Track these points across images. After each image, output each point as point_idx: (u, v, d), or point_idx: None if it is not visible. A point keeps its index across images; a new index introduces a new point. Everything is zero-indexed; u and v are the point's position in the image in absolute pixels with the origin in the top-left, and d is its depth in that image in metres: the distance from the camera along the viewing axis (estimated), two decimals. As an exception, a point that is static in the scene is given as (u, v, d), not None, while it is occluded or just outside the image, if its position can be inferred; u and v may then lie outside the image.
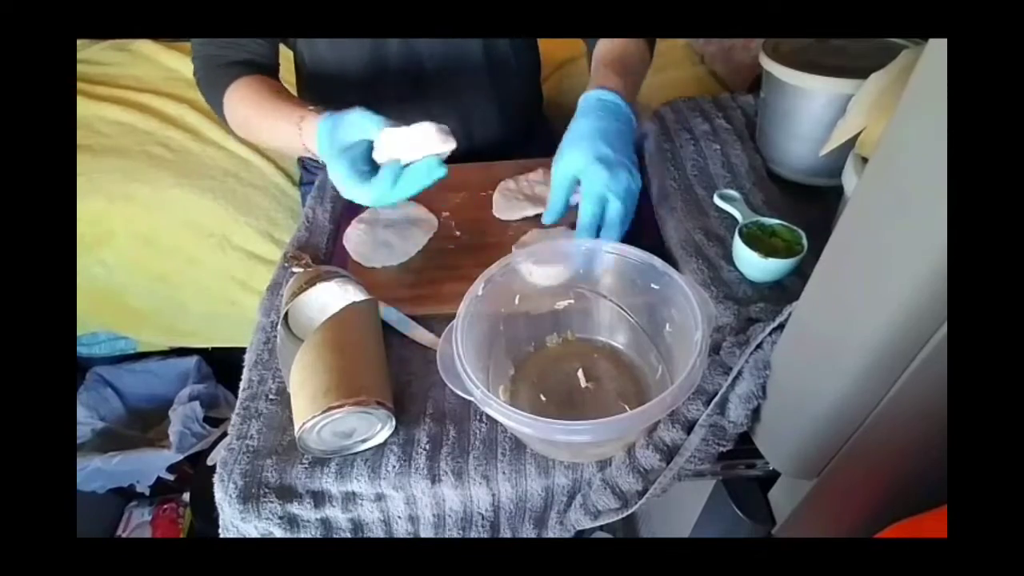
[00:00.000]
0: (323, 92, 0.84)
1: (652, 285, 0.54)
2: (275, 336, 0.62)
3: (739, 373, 0.48)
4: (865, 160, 0.54)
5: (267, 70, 0.78)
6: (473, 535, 0.55)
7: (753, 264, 0.58)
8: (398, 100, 0.83)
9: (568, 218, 0.75)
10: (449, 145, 0.57)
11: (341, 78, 0.82)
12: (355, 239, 0.73)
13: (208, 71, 0.77)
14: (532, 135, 0.98)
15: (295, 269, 0.68)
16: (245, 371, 0.61)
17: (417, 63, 0.83)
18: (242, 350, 0.64)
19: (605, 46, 0.75)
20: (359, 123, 0.59)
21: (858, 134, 0.55)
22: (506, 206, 0.75)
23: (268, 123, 0.69)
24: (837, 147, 0.66)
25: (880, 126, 0.54)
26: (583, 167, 0.60)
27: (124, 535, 1.23)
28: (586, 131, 0.62)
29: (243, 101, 0.73)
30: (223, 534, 0.54)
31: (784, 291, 0.58)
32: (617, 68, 0.70)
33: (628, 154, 0.62)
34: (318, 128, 0.62)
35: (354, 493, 0.52)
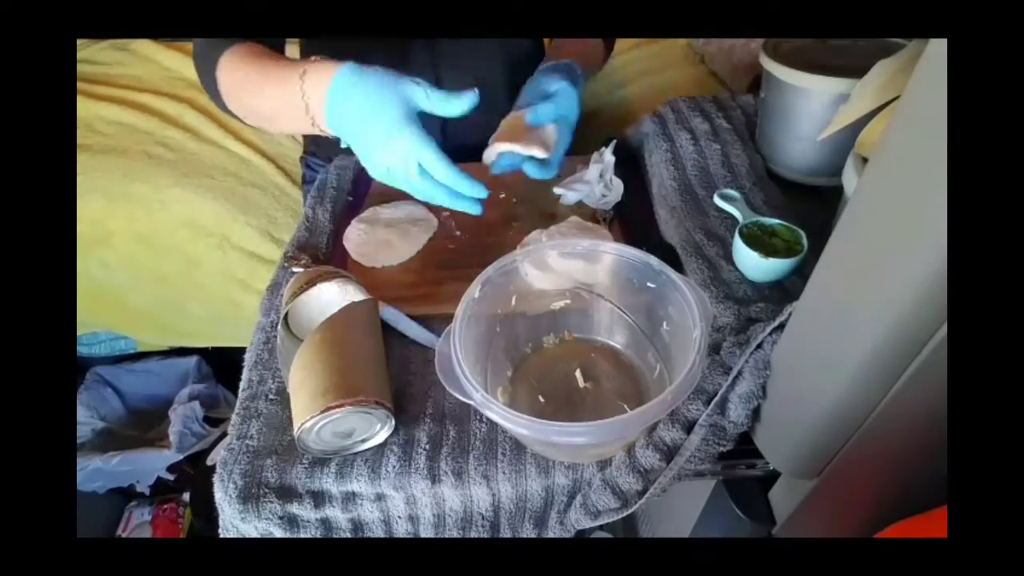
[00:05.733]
0: None
1: (648, 284, 0.54)
2: (275, 336, 0.62)
3: (739, 373, 0.48)
4: (865, 160, 0.54)
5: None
6: (473, 535, 0.55)
7: (753, 264, 0.58)
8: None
9: (574, 209, 0.75)
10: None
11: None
12: (355, 239, 0.73)
13: (204, 45, 0.67)
14: None
15: (295, 269, 0.68)
16: (245, 371, 0.61)
17: (437, 62, 0.83)
18: (242, 350, 0.64)
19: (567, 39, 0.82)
20: (410, 93, 0.53)
21: (859, 127, 0.55)
22: None
23: (260, 86, 0.59)
24: (837, 149, 0.66)
25: (880, 125, 0.54)
26: (560, 88, 0.65)
27: (124, 535, 1.23)
28: (563, 73, 0.68)
29: (233, 67, 0.62)
30: (223, 534, 0.54)
31: (784, 291, 0.58)
32: (578, 52, 0.76)
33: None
34: (330, 96, 0.53)
35: (354, 493, 0.52)
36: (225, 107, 0.68)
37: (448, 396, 0.57)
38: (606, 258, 0.57)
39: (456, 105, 0.54)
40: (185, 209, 1.10)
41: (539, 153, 0.58)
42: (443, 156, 0.54)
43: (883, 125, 0.53)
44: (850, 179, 0.55)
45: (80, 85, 1.26)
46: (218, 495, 0.52)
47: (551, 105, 0.62)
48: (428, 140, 0.54)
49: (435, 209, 0.77)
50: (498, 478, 0.51)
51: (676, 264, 0.62)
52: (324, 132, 0.57)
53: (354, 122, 0.54)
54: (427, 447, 0.53)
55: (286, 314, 0.59)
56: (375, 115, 0.53)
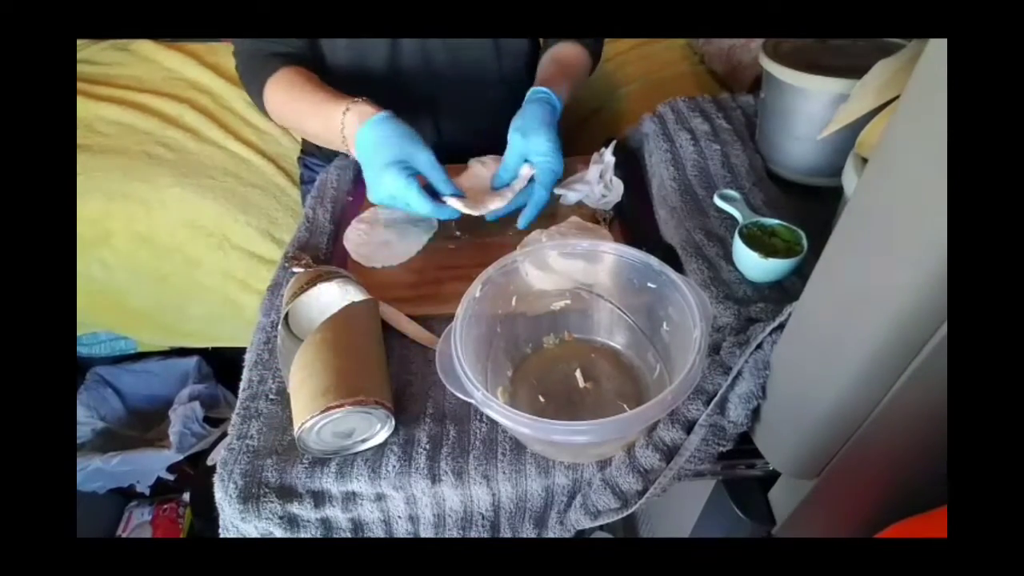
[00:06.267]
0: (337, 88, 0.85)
1: (649, 284, 0.54)
2: (275, 336, 0.62)
3: (739, 373, 0.48)
4: (865, 160, 0.54)
5: (305, 62, 0.80)
6: (473, 535, 0.55)
7: (753, 264, 0.58)
8: (411, 101, 0.83)
9: (574, 209, 0.75)
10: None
11: (357, 77, 0.83)
12: (355, 239, 0.73)
13: (249, 62, 0.80)
14: None
15: (295, 269, 0.68)
16: (245, 371, 0.61)
17: (431, 69, 0.84)
18: (242, 350, 0.64)
19: (556, 51, 0.86)
20: (420, 161, 0.66)
21: (859, 127, 0.55)
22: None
23: (310, 107, 0.73)
24: (837, 149, 0.66)
25: (880, 125, 0.54)
26: (545, 150, 0.70)
27: (124, 535, 1.23)
28: (544, 119, 0.72)
29: (285, 88, 0.77)
30: (223, 534, 0.54)
31: (784, 291, 0.58)
32: (564, 73, 0.82)
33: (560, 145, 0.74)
34: (363, 129, 0.66)
35: (354, 493, 0.52)
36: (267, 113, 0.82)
37: (448, 396, 0.57)
38: (606, 258, 0.57)
39: (441, 186, 0.67)
40: (185, 209, 1.10)
41: (496, 205, 0.70)
42: (419, 196, 0.65)
43: (883, 125, 0.53)
44: (850, 179, 0.55)
45: (80, 85, 1.26)
46: (218, 495, 0.52)
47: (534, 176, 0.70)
48: (404, 183, 0.64)
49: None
50: (498, 478, 0.51)
51: (676, 264, 0.62)
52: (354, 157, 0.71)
53: (362, 155, 0.68)
54: (427, 447, 0.53)
55: (286, 314, 0.59)
56: (375, 154, 0.66)
